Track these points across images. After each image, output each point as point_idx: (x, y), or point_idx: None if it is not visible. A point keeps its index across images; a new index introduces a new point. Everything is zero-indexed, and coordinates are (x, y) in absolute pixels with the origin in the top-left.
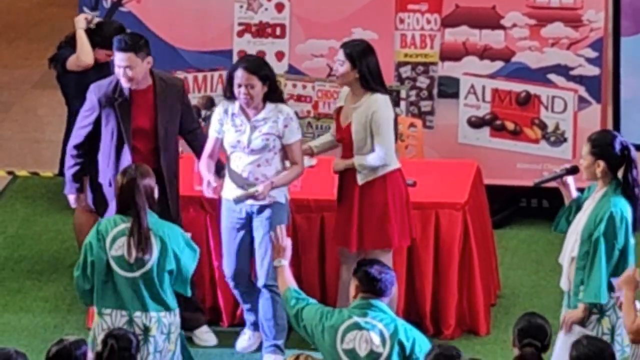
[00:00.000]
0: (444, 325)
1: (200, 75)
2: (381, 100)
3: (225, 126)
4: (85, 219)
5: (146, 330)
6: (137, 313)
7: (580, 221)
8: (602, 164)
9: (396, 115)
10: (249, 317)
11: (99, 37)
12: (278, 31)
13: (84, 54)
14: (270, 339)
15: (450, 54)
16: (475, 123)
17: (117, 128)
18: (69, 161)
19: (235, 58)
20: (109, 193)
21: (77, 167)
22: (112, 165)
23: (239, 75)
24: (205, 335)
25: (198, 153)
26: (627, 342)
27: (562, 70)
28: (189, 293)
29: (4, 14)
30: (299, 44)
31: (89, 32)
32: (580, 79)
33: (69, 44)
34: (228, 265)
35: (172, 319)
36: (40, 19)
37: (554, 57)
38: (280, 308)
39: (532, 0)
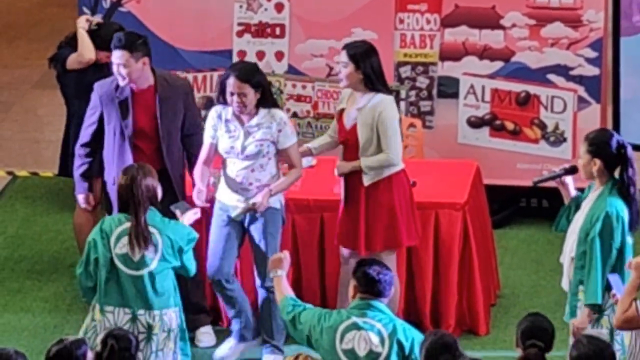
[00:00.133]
0: (444, 325)
1: (200, 76)
2: (387, 101)
3: (219, 132)
4: (85, 219)
5: (149, 328)
6: (141, 311)
7: (578, 221)
8: (598, 162)
9: (400, 116)
10: (234, 325)
11: (99, 38)
12: (278, 31)
13: (86, 50)
14: (268, 339)
15: (450, 54)
16: (475, 123)
17: (119, 127)
18: (77, 161)
19: (235, 58)
20: (112, 192)
21: (85, 167)
22: (115, 164)
23: (231, 83)
24: (204, 335)
25: (190, 159)
26: (628, 341)
27: (562, 70)
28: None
29: (4, 13)
30: (298, 44)
31: (89, 33)
32: (579, 79)
33: (69, 44)
34: (211, 264)
35: (174, 316)
36: (40, 19)
37: (553, 57)
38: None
39: (532, 0)
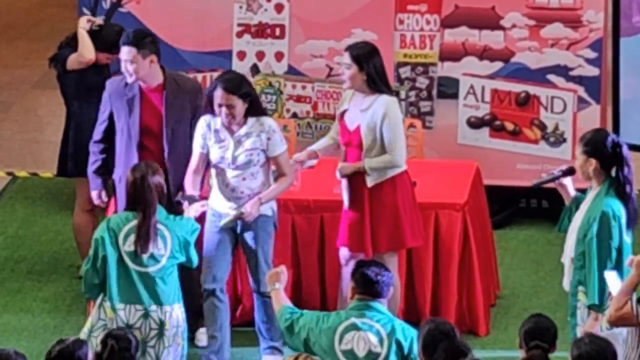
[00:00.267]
0: None
1: (199, 76)
2: (390, 102)
3: (210, 141)
4: (84, 219)
5: (161, 324)
6: (153, 307)
7: (577, 221)
8: (594, 162)
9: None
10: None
11: (99, 40)
12: (277, 32)
13: (86, 50)
14: (267, 340)
15: (450, 55)
16: (475, 123)
17: (126, 125)
18: (91, 158)
19: (234, 59)
20: (119, 189)
21: (97, 164)
22: (122, 161)
23: (219, 95)
24: (204, 335)
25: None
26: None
27: (562, 70)
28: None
29: (4, 14)
30: (298, 44)
31: (89, 34)
32: (579, 80)
33: (70, 44)
34: (205, 273)
35: (180, 312)
36: (40, 19)
37: (553, 58)
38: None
39: (532, 0)
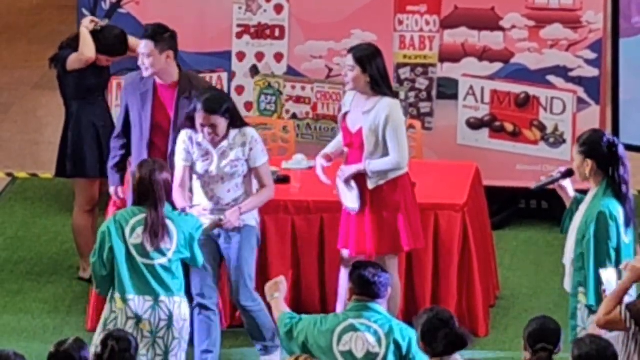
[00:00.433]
0: None
1: None
2: (393, 105)
3: (194, 155)
4: (84, 220)
5: (170, 315)
6: (162, 297)
7: (576, 222)
8: (590, 162)
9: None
10: None
11: (99, 42)
12: (277, 32)
13: (86, 48)
14: (259, 342)
15: (449, 56)
16: (475, 124)
17: (138, 119)
18: (111, 153)
19: (234, 59)
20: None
21: (116, 159)
22: (135, 156)
23: (201, 116)
24: None
25: None
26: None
27: (561, 71)
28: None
29: (3, 15)
30: (298, 45)
31: (91, 35)
32: (579, 80)
33: (70, 45)
34: (194, 286)
35: (186, 307)
36: (40, 20)
37: (553, 59)
38: (261, 315)
39: (531, 1)
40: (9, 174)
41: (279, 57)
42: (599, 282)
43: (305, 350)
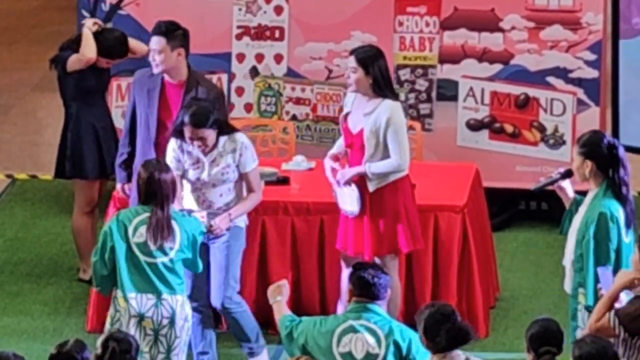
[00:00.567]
0: None
1: None
2: (394, 107)
3: (186, 164)
4: (83, 221)
5: (173, 313)
6: (165, 295)
7: (576, 223)
8: (590, 164)
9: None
10: None
11: (99, 44)
12: (277, 34)
13: (88, 49)
14: (244, 342)
15: (449, 57)
16: (474, 126)
17: (145, 116)
18: (119, 150)
19: (234, 61)
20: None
21: (123, 156)
22: (139, 153)
23: (189, 130)
24: None
25: None
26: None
27: (561, 72)
28: (201, 269)
29: (3, 16)
30: (297, 46)
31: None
32: (579, 82)
33: (71, 46)
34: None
35: (188, 307)
36: (40, 21)
37: (552, 60)
38: (245, 316)
39: (531, 2)
40: (8, 176)
41: (278, 58)
42: (597, 282)
43: (305, 351)
